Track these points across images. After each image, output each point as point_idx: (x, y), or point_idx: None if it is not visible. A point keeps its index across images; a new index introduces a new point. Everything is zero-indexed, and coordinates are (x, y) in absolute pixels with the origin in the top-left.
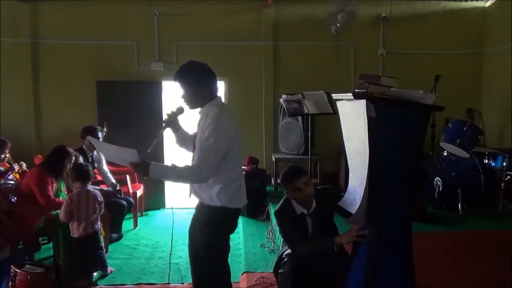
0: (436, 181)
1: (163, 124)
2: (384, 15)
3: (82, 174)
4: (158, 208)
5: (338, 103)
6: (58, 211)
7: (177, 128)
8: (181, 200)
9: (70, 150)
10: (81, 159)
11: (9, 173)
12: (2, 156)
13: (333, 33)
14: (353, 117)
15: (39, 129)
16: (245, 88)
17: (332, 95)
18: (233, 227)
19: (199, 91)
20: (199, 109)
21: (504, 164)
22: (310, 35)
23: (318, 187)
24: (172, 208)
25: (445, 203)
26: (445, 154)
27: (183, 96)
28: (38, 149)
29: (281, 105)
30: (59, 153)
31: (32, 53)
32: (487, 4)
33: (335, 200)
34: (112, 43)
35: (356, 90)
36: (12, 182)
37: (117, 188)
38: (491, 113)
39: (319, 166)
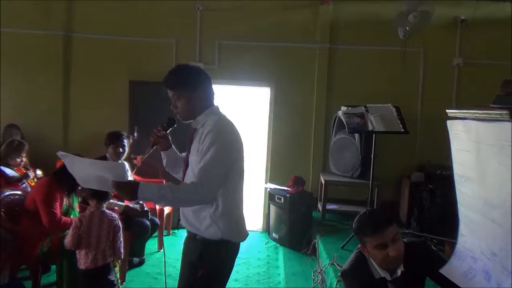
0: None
1: (151, 142)
2: (463, 17)
3: (100, 191)
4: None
5: (456, 123)
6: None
7: (167, 146)
8: None
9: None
10: None
11: (23, 181)
12: (18, 160)
13: (400, 37)
14: (487, 147)
15: (66, 130)
16: (293, 96)
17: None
18: (232, 266)
19: (194, 98)
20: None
21: None
22: (373, 37)
23: (407, 240)
24: None
25: None
26: None
27: (175, 106)
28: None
29: (335, 118)
30: None
31: (64, 48)
32: None
33: (432, 262)
34: (149, 40)
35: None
36: (19, 193)
37: (145, 209)
38: None
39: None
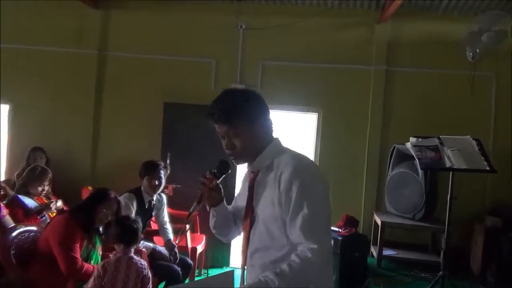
0: None
1: (199, 196)
2: None
3: (127, 235)
4: (221, 267)
5: None
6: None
7: (217, 201)
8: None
9: (112, 194)
10: (134, 206)
11: (43, 214)
12: (40, 188)
13: (469, 59)
14: None
15: (95, 155)
16: (343, 124)
17: None
18: None
19: (255, 133)
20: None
21: None
22: (436, 59)
23: None
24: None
25: None
26: None
27: (231, 145)
28: (90, 180)
29: (392, 149)
30: (95, 197)
31: (98, 67)
32: None
33: None
34: (186, 59)
35: None
36: (35, 229)
37: (174, 251)
38: None
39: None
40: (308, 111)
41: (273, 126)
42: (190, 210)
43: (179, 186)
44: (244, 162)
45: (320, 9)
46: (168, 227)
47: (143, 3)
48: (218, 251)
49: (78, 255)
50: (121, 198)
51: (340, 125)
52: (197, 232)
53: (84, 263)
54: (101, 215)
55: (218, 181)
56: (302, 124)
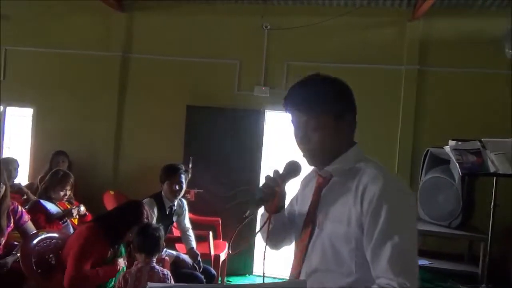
0: None
1: (257, 199)
2: None
3: (150, 244)
4: (244, 274)
5: None
6: None
7: (279, 206)
8: (274, 267)
9: (145, 213)
10: (155, 212)
11: (65, 219)
12: (62, 193)
13: (508, 57)
14: None
15: (117, 158)
16: (373, 126)
17: None
18: None
19: (339, 131)
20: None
21: None
22: (472, 58)
23: None
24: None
25: None
26: None
27: (306, 139)
28: (112, 184)
29: (426, 153)
30: (130, 211)
31: (121, 69)
32: None
33: None
34: (209, 61)
35: None
36: (56, 235)
37: (198, 260)
38: None
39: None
40: None
41: (356, 126)
42: (246, 214)
43: (201, 191)
44: (318, 163)
45: (348, 9)
46: (191, 233)
47: (167, 5)
48: (241, 258)
49: (88, 266)
50: None
51: (370, 127)
52: (220, 239)
53: (96, 269)
54: (131, 234)
55: (285, 184)
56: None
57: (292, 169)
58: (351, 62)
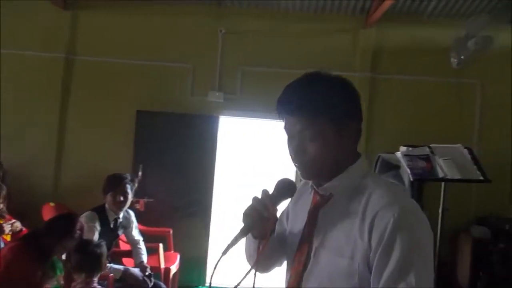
0: None
1: (246, 223)
2: None
3: (90, 262)
4: (196, 286)
5: None
6: None
7: (268, 231)
8: (228, 277)
9: (79, 223)
10: (97, 226)
11: None
12: None
13: (454, 66)
14: None
15: (59, 168)
16: None
17: None
18: None
19: (340, 142)
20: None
21: None
22: (421, 67)
23: None
24: None
25: None
26: None
27: (300, 149)
28: (53, 196)
29: (377, 159)
30: (59, 224)
31: (65, 72)
32: None
33: None
34: (161, 65)
35: None
36: None
37: (147, 273)
38: None
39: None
40: None
41: (360, 137)
42: (229, 243)
43: (152, 200)
44: (314, 177)
45: (303, 14)
46: (142, 246)
47: (114, 4)
48: (193, 270)
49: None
50: (81, 219)
51: None
52: (171, 250)
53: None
54: (62, 249)
55: (276, 206)
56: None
57: (285, 189)
58: (306, 68)
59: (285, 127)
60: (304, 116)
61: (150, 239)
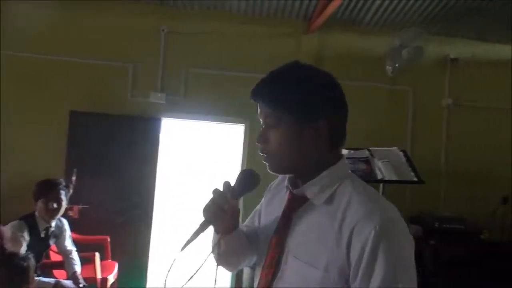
0: None
1: (206, 218)
2: (452, 56)
3: (15, 277)
4: None
5: None
6: None
7: (232, 226)
8: (168, 283)
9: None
10: (26, 237)
11: None
12: None
13: (388, 74)
14: None
15: None
16: None
17: None
18: None
19: (314, 136)
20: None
21: None
22: (359, 73)
23: None
24: None
25: None
26: None
27: (263, 137)
28: None
29: None
30: None
31: None
32: None
33: None
34: (98, 63)
35: None
36: None
37: (81, 285)
38: None
39: None
40: (235, 122)
41: (344, 136)
42: (189, 239)
43: (87, 206)
44: (279, 170)
45: (248, 17)
46: (74, 256)
47: None
48: (132, 278)
49: None
50: (6, 229)
51: None
52: (108, 259)
53: None
54: None
55: (238, 199)
56: (229, 135)
57: (247, 181)
58: (250, 72)
59: (258, 114)
60: (267, 102)
61: (86, 248)
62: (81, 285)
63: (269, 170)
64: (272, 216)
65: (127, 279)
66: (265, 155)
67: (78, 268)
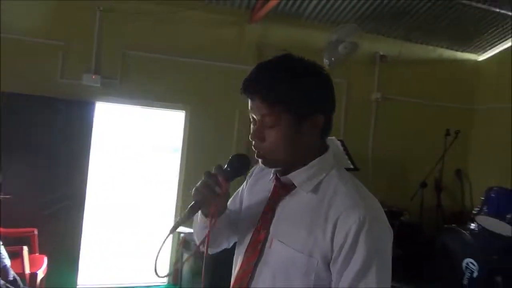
0: (468, 264)
1: (197, 200)
2: (381, 53)
3: None
4: None
5: None
6: None
7: (219, 209)
8: (99, 278)
9: None
10: None
11: None
12: None
13: (326, 67)
14: None
15: None
16: (213, 124)
17: None
18: None
19: (307, 132)
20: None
21: None
22: None
23: None
24: None
25: None
26: (473, 228)
27: (259, 134)
28: None
29: None
30: None
31: None
32: (480, 58)
33: None
34: (27, 40)
35: None
36: None
37: (10, 278)
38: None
39: None
40: (175, 108)
41: (332, 128)
42: (178, 221)
43: (9, 197)
44: (273, 166)
45: (192, 2)
46: (2, 250)
47: None
48: (62, 273)
49: None
50: None
51: (210, 124)
52: (36, 253)
53: None
54: None
55: (229, 183)
56: (169, 121)
57: (239, 165)
58: (193, 57)
59: (250, 110)
60: (266, 103)
61: (11, 242)
62: (10, 278)
63: (261, 164)
64: (255, 200)
65: (57, 274)
66: (257, 152)
67: (7, 261)
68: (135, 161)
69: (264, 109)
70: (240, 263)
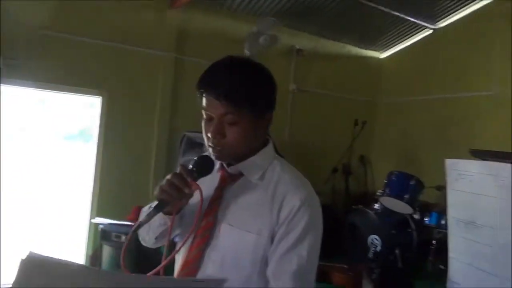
0: (372, 240)
1: (162, 199)
2: (298, 47)
3: None
4: None
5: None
6: None
7: (178, 208)
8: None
9: None
10: None
11: None
12: None
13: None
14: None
15: None
16: (131, 110)
17: None
18: None
19: (258, 127)
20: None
21: (442, 221)
22: (221, 54)
23: None
24: None
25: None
26: (377, 208)
27: (221, 132)
28: None
29: (183, 137)
30: None
31: None
32: (382, 55)
33: None
34: None
35: None
36: None
37: None
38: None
39: None
40: (90, 94)
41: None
42: (142, 220)
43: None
44: (228, 159)
45: None
46: None
47: None
48: None
49: None
50: None
51: (128, 110)
52: None
53: None
54: None
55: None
56: (83, 107)
57: (204, 166)
58: (109, 41)
59: (207, 106)
60: (231, 103)
61: None
62: None
63: (216, 159)
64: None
65: None
66: (217, 148)
67: None
68: (44, 150)
69: (228, 107)
70: (188, 248)
